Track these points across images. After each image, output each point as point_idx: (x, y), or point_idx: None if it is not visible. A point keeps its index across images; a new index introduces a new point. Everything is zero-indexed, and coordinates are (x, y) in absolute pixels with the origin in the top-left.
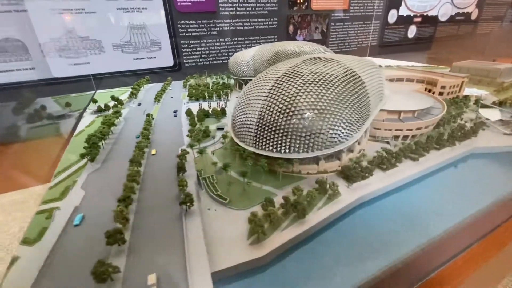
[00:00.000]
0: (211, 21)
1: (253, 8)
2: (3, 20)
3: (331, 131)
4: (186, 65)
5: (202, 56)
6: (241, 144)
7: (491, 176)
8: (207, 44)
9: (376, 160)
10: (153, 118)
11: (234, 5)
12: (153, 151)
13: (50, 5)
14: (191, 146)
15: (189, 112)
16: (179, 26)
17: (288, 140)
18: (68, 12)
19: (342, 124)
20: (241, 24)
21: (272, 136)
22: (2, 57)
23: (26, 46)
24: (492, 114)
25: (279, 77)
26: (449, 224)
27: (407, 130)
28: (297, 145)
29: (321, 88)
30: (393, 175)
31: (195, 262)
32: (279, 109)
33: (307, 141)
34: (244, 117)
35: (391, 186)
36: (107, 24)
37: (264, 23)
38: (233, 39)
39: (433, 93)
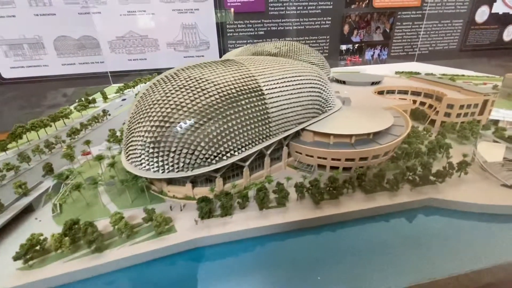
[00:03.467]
0: (259, 21)
1: (305, 7)
2: (83, 20)
3: (184, 150)
4: None
5: None
6: (123, 151)
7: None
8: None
9: (254, 195)
10: (109, 114)
11: (284, 4)
12: (65, 148)
13: (119, 7)
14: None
15: None
16: (228, 26)
17: (138, 154)
18: (133, 14)
19: (202, 144)
20: (290, 24)
21: (130, 147)
22: (82, 51)
23: (98, 43)
24: (494, 152)
25: (156, 81)
26: None
27: (333, 160)
28: (146, 162)
29: (185, 97)
30: (267, 218)
31: None
32: (138, 118)
33: (155, 159)
34: (127, 123)
35: (256, 231)
36: (163, 24)
37: (316, 23)
38: (281, 39)
39: (437, 113)
